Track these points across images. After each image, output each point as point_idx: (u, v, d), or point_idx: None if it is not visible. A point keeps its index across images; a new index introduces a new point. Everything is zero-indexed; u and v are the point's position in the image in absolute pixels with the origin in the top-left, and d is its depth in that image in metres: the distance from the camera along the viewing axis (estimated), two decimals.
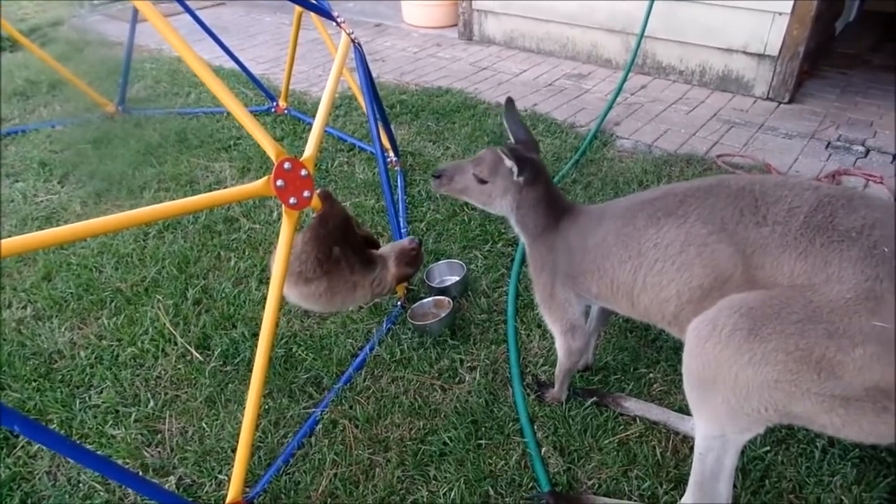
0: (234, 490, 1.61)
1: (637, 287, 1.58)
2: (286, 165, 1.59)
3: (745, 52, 4.06)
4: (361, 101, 3.29)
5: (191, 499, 1.71)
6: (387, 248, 2.15)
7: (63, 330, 2.30)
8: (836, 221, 1.28)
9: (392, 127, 3.35)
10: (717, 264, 1.40)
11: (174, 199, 1.51)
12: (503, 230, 2.74)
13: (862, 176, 3.11)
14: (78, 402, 2.01)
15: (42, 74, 4.73)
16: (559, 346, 1.87)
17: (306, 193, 1.65)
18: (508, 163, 1.75)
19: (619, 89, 3.89)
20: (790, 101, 4.01)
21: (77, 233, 1.42)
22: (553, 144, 3.48)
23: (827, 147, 3.46)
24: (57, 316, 2.37)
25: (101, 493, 1.74)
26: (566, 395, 1.96)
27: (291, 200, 1.63)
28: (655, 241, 1.51)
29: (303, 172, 1.63)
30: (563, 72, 4.68)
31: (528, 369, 2.09)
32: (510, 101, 1.92)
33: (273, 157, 1.60)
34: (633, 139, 3.60)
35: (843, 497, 1.63)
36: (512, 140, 1.89)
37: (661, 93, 4.27)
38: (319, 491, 1.73)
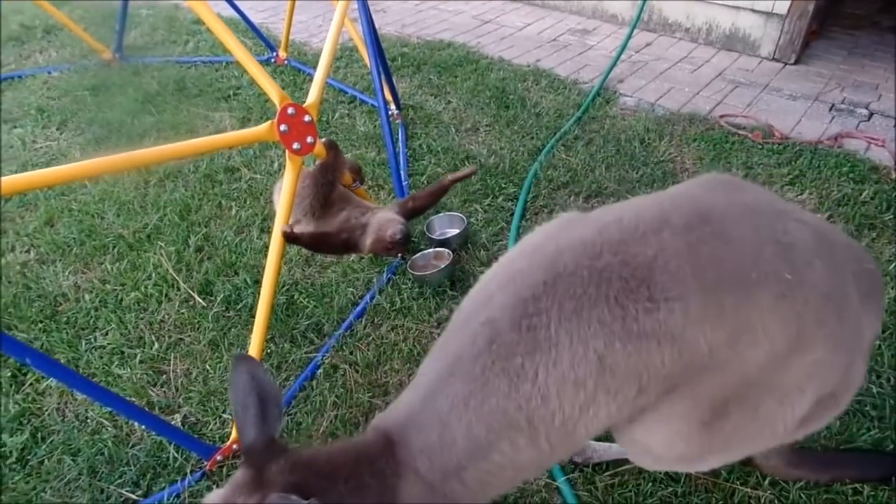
0: None
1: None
2: (290, 111, 1.60)
3: (752, 10, 3.98)
4: (363, 52, 3.25)
5: (196, 436, 1.77)
6: (381, 217, 2.11)
7: (67, 274, 2.33)
8: (726, 262, 1.04)
9: (393, 80, 3.31)
10: (628, 376, 1.04)
11: None
12: (503, 185, 2.75)
13: (864, 139, 3.11)
14: (84, 343, 2.06)
15: (37, 19, 4.65)
16: None
17: (310, 139, 1.66)
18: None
19: (624, 46, 3.84)
20: (796, 62, 3.96)
21: (80, 172, 1.44)
22: (556, 101, 3.46)
23: (831, 109, 3.44)
24: (60, 260, 2.40)
25: (109, 429, 1.79)
26: None
27: (295, 146, 1.64)
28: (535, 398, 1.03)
29: (306, 118, 1.63)
30: (567, 27, 4.60)
31: None
32: (240, 358, 1.06)
33: (277, 102, 1.60)
34: (637, 97, 3.57)
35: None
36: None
37: (667, 51, 4.21)
38: (320, 431, 1.79)
